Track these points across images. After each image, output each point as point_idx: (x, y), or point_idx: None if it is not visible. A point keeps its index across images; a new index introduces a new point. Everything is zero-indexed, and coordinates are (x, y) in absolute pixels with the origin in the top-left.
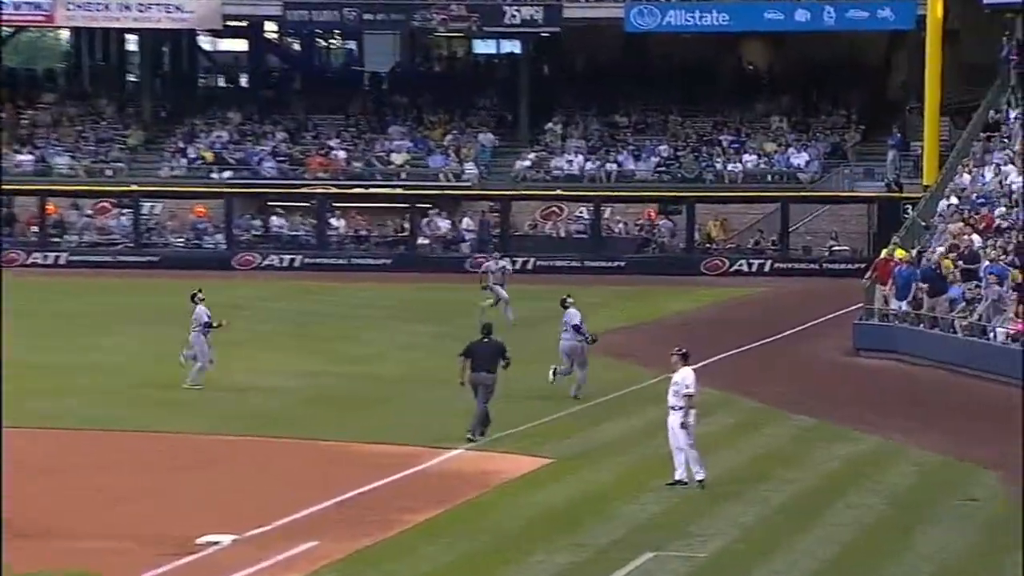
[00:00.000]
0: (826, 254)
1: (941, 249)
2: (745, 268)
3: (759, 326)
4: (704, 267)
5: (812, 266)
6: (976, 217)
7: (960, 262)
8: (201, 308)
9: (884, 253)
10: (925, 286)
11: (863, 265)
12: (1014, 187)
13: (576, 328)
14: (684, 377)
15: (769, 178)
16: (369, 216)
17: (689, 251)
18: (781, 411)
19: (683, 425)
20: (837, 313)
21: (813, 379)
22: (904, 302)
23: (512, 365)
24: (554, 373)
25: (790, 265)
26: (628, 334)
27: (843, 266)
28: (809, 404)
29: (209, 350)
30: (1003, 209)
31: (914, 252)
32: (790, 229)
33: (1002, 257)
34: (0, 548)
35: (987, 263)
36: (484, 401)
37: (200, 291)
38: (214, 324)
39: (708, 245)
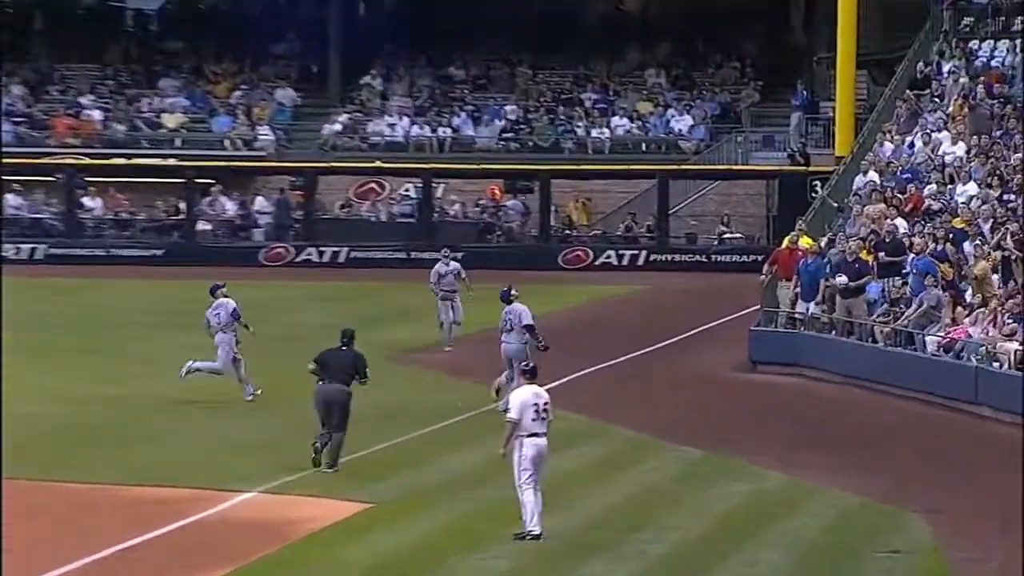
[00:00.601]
0: (715, 243)
1: (857, 238)
2: (614, 261)
3: (631, 334)
4: (562, 260)
5: (697, 258)
6: (901, 197)
7: (881, 254)
8: (228, 302)
9: (787, 242)
10: (844, 281)
11: (760, 257)
12: (947, 159)
13: (529, 328)
14: (546, 396)
15: (644, 147)
16: (133, 195)
17: (543, 240)
18: (660, 440)
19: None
20: (729, 317)
21: (700, 400)
22: (812, 303)
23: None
24: (497, 391)
25: (670, 257)
26: (467, 345)
27: (736, 258)
28: (696, 432)
29: (235, 354)
30: (934, 187)
31: (823, 241)
32: (670, 212)
33: (931, 247)
34: None
35: (913, 256)
36: (339, 425)
37: (224, 285)
38: (243, 321)
39: (568, 232)
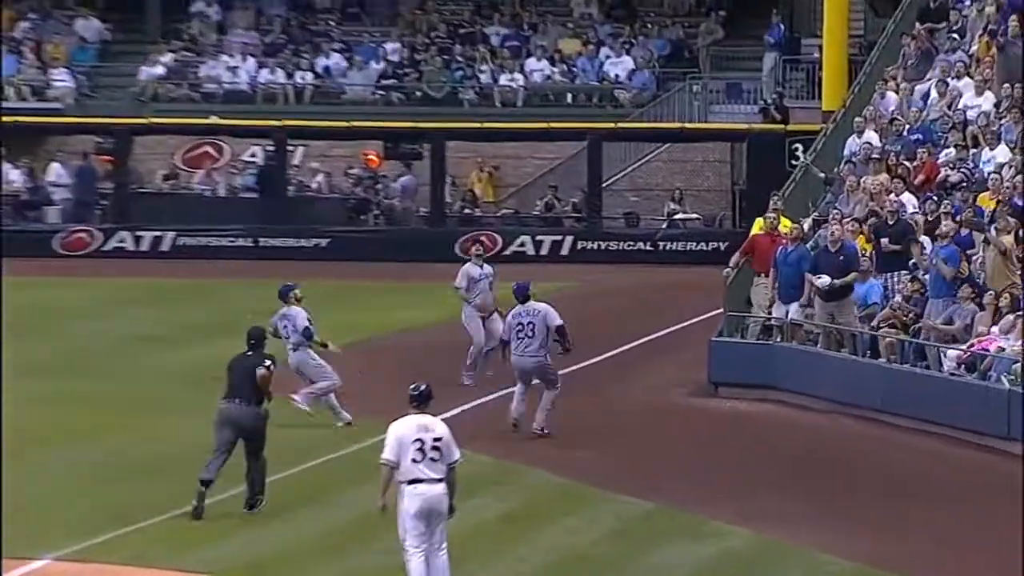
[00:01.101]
0: (663, 227)
1: (851, 219)
2: (530, 250)
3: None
4: (461, 249)
5: (640, 246)
6: (908, 165)
7: (884, 240)
8: (299, 312)
9: (759, 225)
10: (826, 281)
11: (723, 245)
12: (969, 114)
13: (560, 332)
14: (439, 429)
15: (569, 99)
16: None
17: (436, 222)
18: (593, 488)
19: (449, 511)
20: (681, 325)
21: (645, 436)
22: (794, 306)
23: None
24: (515, 425)
25: (604, 245)
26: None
27: (691, 246)
28: (639, 477)
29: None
30: (952, 151)
31: (807, 223)
32: (604, 185)
33: (953, 231)
34: None
35: (930, 243)
36: (254, 454)
37: (296, 286)
38: (317, 339)
39: (469, 212)
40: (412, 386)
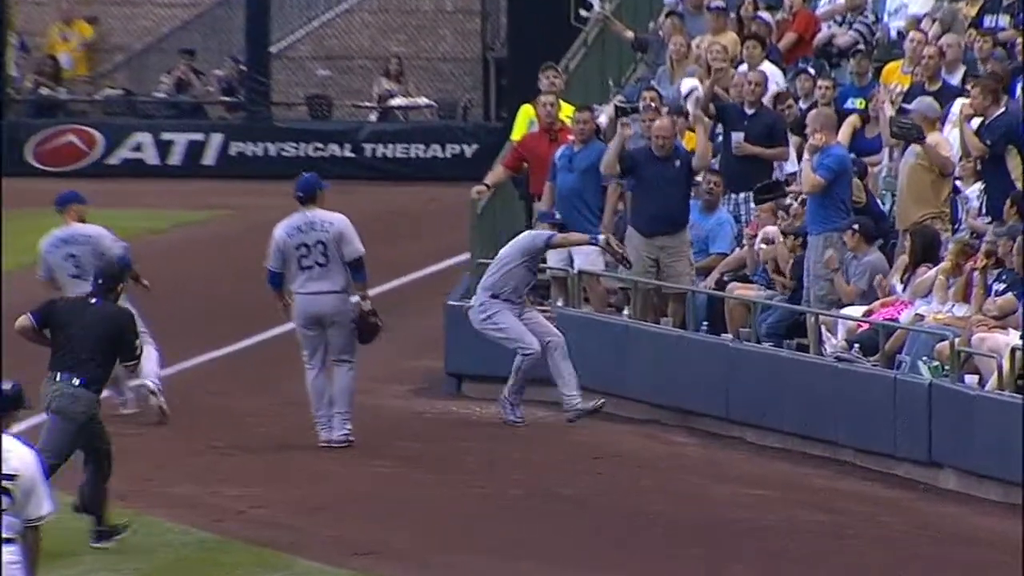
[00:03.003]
0: (372, 119)
1: (694, 85)
2: (150, 156)
3: (187, 324)
4: (35, 153)
5: (333, 150)
6: (768, 18)
7: (737, 138)
8: None
9: (528, 116)
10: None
11: (471, 148)
12: None
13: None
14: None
15: None
16: None
17: None
18: (248, 546)
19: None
20: (401, 281)
21: (336, 465)
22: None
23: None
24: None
25: (272, 149)
26: None
27: (418, 150)
28: (325, 527)
29: None
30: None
31: (605, 112)
32: (274, 50)
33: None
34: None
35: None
36: (94, 458)
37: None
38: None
39: (47, 94)
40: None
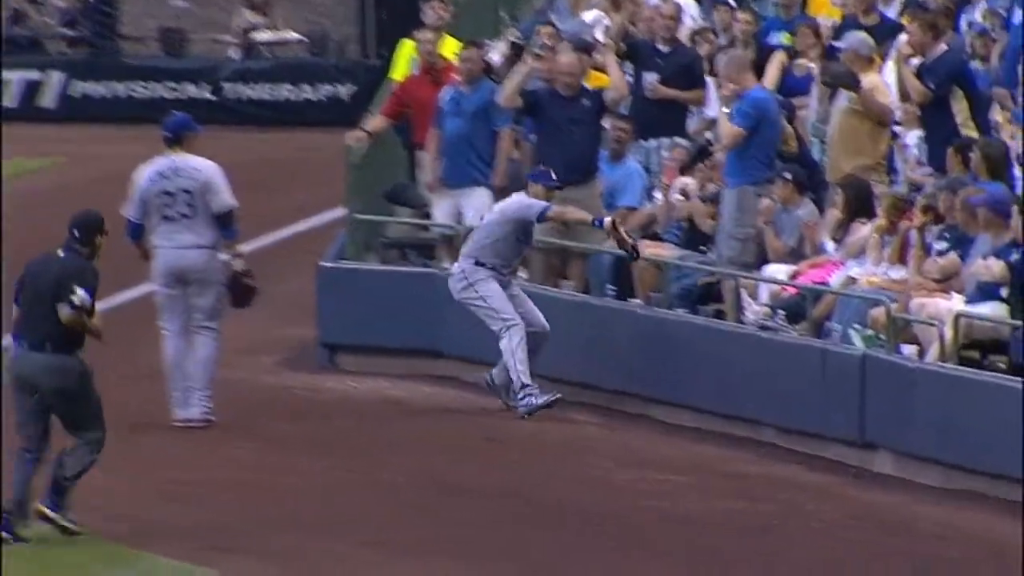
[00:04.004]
0: (233, 56)
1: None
2: None
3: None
4: None
5: (191, 91)
6: None
7: (651, 79)
8: None
9: (409, 53)
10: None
11: (348, 90)
12: None
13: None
14: None
15: None
16: None
17: None
18: (95, 541)
19: None
20: (271, 241)
21: (192, 447)
22: (474, 198)
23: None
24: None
25: (119, 89)
26: None
27: (286, 92)
28: (179, 517)
29: None
30: None
31: (498, 50)
32: None
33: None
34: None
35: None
36: (75, 424)
37: None
38: None
39: None
40: None
